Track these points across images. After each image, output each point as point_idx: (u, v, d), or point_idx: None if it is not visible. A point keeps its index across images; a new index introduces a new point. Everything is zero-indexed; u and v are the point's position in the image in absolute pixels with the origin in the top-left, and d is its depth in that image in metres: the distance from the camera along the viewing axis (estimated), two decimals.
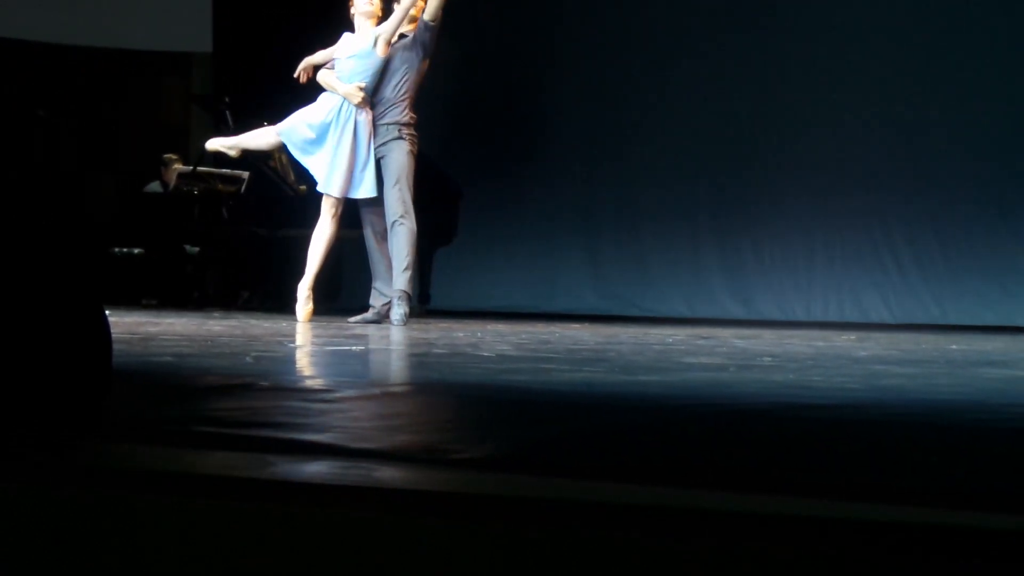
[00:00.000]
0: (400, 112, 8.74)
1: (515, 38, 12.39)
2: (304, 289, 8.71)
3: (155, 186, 12.53)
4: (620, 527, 1.83)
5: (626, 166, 12.01)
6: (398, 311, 8.52)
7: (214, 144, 9.12)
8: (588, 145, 12.17)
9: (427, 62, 8.80)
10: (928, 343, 7.32)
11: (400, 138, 8.72)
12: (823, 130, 11.29)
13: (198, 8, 12.70)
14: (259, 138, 9.02)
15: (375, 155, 8.71)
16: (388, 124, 8.73)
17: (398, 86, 8.71)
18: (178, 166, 12.18)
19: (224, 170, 11.69)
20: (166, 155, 12.58)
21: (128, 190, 12.79)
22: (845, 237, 11.27)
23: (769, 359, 5.38)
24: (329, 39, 8.75)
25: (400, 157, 8.72)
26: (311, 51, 8.71)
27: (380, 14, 8.68)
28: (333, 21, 8.65)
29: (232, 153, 9.09)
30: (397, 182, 8.67)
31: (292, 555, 1.85)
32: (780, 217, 11.47)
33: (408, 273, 8.64)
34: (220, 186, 11.57)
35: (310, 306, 8.69)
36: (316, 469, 2.36)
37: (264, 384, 3.96)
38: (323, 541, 1.87)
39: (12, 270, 2.34)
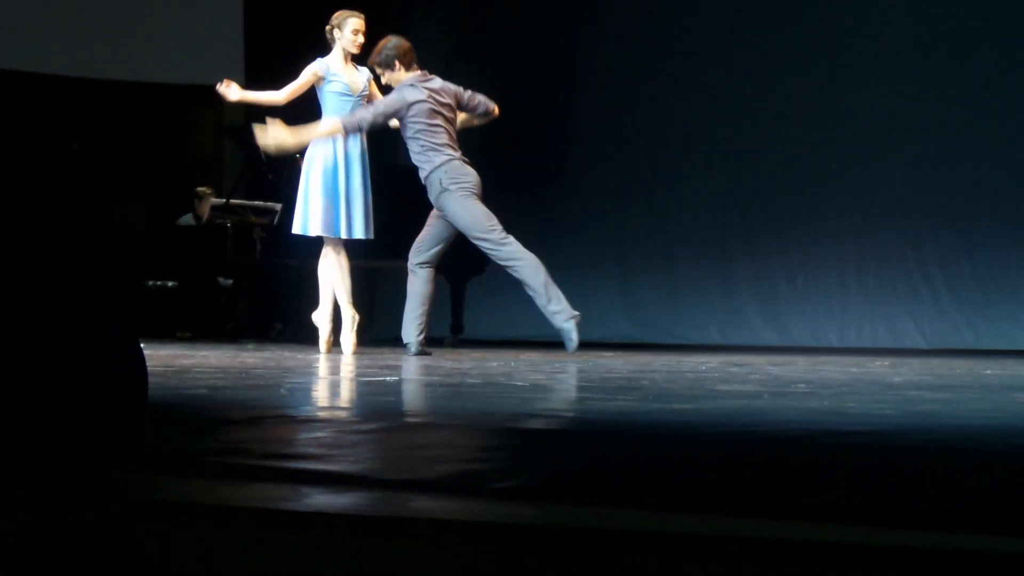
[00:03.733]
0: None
1: (548, 64, 12.40)
2: (347, 318, 8.43)
3: (188, 219, 12.59)
4: (656, 555, 1.83)
5: (658, 193, 12.01)
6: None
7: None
8: (620, 172, 12.17)
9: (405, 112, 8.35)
10: (962, 368, 7.28)
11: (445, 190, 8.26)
12: (855, 157, 11.26)
13: (229, 41, 12.75)
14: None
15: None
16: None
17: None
18: (211, 198, 12.22)
19: (257, 202, 11.73)
20: (199, 188, 12.62)
21: (161, 223, 12.84)
22: (878, 262, 11.23)
23: (803, 385, 5.36)
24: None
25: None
26: None
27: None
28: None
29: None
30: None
31: None
32: (813, 243, 11.44)
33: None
34: (253, 218, 11.61)
35: (351, 336, 8.38)
36: (352, 500, 2.36)
37: (298, 416, 3.97)
38: (359, 570, 1.87)
39: (48, 304, 2.35)
